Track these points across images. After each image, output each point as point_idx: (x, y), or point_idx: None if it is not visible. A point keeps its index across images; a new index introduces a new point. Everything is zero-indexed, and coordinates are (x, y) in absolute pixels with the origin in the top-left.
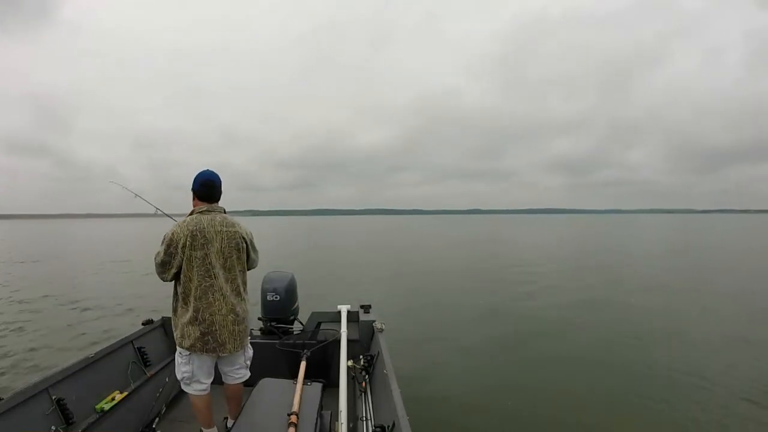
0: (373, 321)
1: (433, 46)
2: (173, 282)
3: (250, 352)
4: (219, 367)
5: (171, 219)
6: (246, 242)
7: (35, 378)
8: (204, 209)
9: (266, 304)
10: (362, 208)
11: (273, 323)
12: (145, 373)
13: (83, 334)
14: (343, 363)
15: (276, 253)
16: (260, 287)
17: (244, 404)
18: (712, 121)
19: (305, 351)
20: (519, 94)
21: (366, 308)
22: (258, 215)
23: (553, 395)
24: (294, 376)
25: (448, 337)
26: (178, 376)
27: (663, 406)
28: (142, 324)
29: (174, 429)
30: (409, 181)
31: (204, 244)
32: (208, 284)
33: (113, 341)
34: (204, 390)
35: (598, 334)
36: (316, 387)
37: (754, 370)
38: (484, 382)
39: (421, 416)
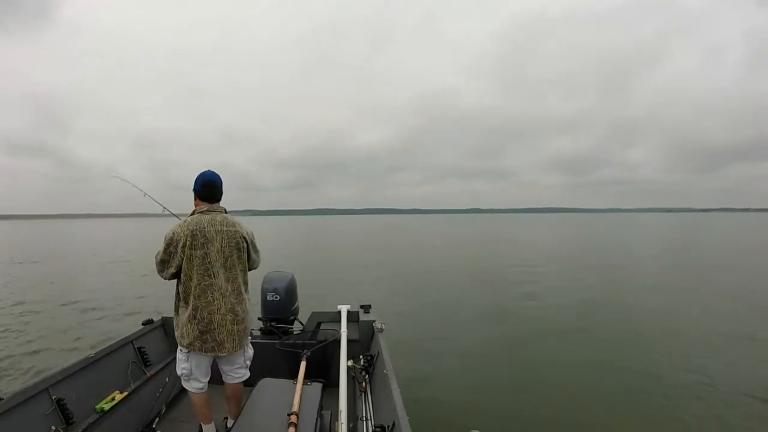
0: (373, 321)
1: (433, 46)
2: (175, 281)
3: (250, 351)
4: (219, 366)
5: (177, 219)
6: (247, 242)
7: (35, 378)
8: (205, 209)
9: (266, 304)
10: (362, 208)
11: (273, 323)
12: (145, 373)
13: (83, 335)
14: (343, 363)
15: (276, 252)
16: (260, 287)
17: (244, 404)
18: (711, 120)
19: (305, 351)
20: (519, 93)
21: (366, 308)
22: (258, 215)
23: (553, 395)
24: (294, 376)
25: (448, 337)
26: (178, 372)
27: (663, 406)
28: (142, 324)
29: (174, 429)
30: (409, 181)
31: (204, 243)
32: (207, 283)
33: (113, 341)
34: (201, 388)
35: (598, 334)
36: (316, 387)
37: (755, 369)
38: (484, 382)
39: (421, 416)
